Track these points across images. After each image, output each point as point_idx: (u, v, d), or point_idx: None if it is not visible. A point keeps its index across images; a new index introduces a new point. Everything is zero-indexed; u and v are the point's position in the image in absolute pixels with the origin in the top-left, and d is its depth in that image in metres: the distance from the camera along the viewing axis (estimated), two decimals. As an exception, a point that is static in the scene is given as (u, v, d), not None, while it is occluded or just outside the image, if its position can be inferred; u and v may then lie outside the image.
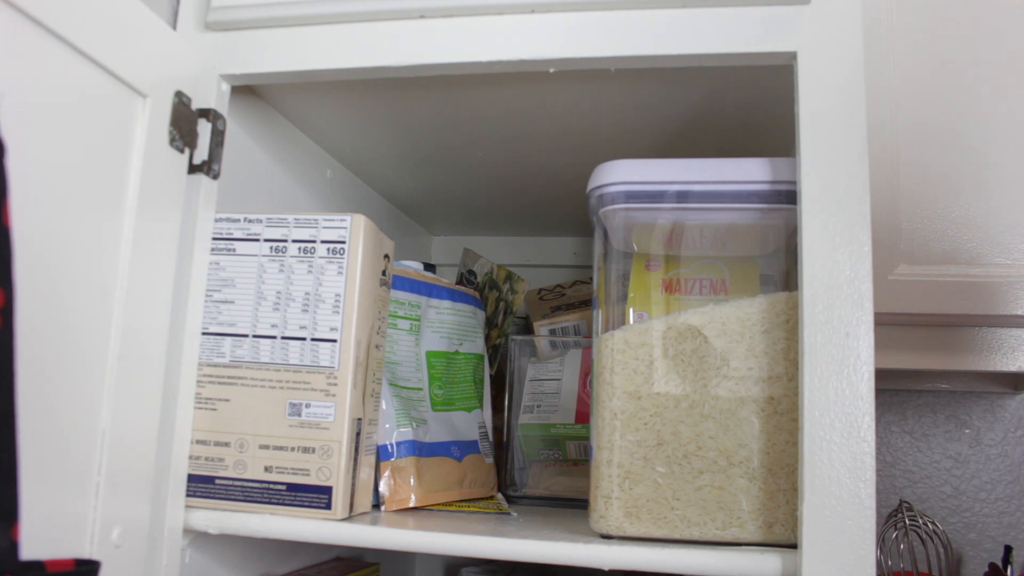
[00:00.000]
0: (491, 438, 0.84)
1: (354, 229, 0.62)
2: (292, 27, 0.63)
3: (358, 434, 0.62)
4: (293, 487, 0.60)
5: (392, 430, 0.70)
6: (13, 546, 0.31)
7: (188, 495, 0.61)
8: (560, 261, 1.22)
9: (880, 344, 0.54)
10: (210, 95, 0.63)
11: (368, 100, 0.75)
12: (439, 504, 0.73)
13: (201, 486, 0.61)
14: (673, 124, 0.75)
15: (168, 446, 0.59)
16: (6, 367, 0.31)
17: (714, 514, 0.56)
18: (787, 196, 0.58)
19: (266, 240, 0.64)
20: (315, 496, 0.60)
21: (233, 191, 0.68)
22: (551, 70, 0.61)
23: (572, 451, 0.85)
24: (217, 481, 0.61)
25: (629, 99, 0.70)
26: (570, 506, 0.81)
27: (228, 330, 0.63)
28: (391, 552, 1.02)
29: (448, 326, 0.81)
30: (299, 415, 0.61)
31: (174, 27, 0.64)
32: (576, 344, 0.92)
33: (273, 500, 0.60)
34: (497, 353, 0.99)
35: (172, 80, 0.58)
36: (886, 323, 0.83)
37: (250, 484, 0.61)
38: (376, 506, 0.68)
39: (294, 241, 0.63)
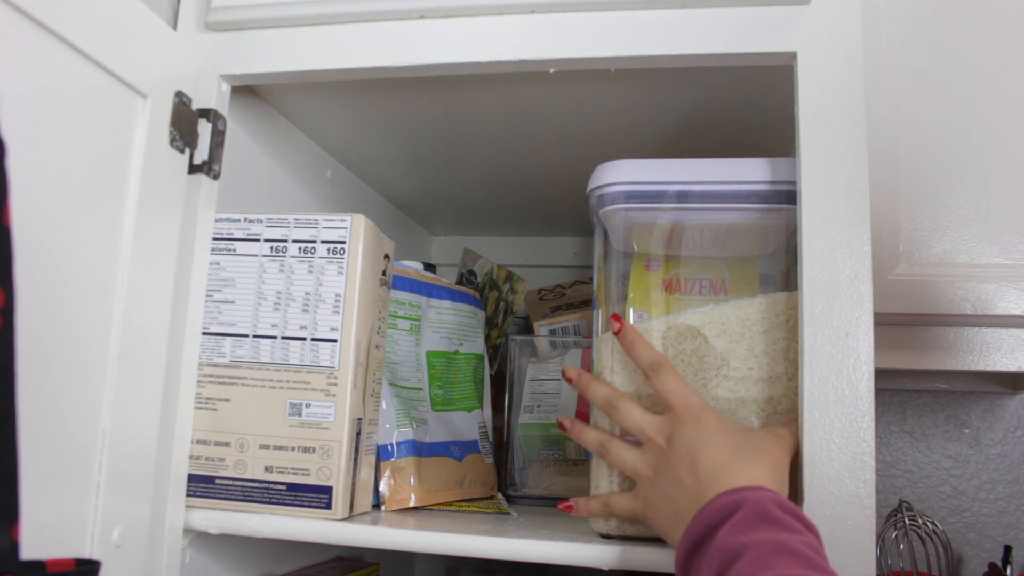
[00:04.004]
0: (491, 438, 0.84)
1: (354, 229, 0.62)
2: (292, 27, 0.63)
3: (358, 434, 0.62)
4: (293, 487, 0.60)
5: (392, 430, 0.70)
6: (14, 546, 0.31)
7: (188, 495, 0.61)
8: (560, 261, 1.22)
9: (880, 344, 0.54)
10: (210, 95, 0.63)
11: (369, 100, 0.75)
12: (439, 504, 0.73)
13: (201, 486, 0.61)
14: (673, 124, 0.75)
15: (168, 446, 0.59)
16: (7, 367, 0.31)
17: (714, 514, 0.56)
18: (787, 196, 0.58)
19: (266, 240, 0.64)
20: (315, 496, 0.60)
21: (233, 191, 0.68)
22: (551, 70, 0.61)
23: (572, 451, 0.85)
24: (217, 481, 0.61)
25: (629, 99, 0.71)
26: (570, 506, 0.81)
27: (228, 330, 0.63)
28: (391, 552, 1.02)
29: (448, 326, 0.81)
30: (299, 415, 0.61)
31: (174, 27, 0.64)
32: (576, 344, 0.92)
33: (273, 500, 0.60)
34: (497, 353, 0.99)
35: (172, 80, 0.58)
36: (886, 323, 0.83)
37: (250, 484, 0.61)
38: (376, 506, 0.68)
39: (294, 241, 0.63)
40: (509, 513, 0.72)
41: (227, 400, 0.62)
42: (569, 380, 0.60)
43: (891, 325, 0.85)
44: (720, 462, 0.49)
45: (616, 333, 0.58)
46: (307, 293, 0.62)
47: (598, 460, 0.60)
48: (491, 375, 0.90)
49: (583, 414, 0.85)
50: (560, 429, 0.62)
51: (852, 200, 0.53)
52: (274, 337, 0.62)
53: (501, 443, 0.90)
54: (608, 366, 0.59)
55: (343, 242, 0.62)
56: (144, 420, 0.56)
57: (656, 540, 0.56)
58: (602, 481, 0.59)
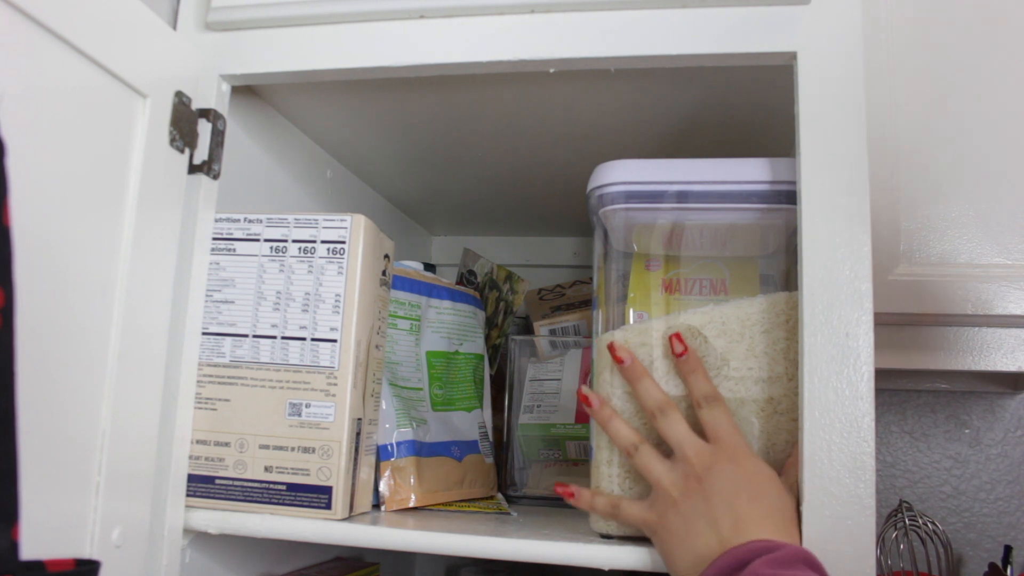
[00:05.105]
0: (491, 438, 0.84)
1: (354, 229, 0.62)
2: (292, 27, 0.63)
3: (358, 434, 0.62)
4: (293, 487, 0.60)
5: (392, 430, 0.70)
6: (13, 546, 0.31)
7: (188, 495, 0.61)
8: (560, 261, 1.22)
9: (880, 344, 0.54)
10: (210, 95, 0.63)
11: (368, 100, 0.75)
12: (439, 504, 0.73)
13: (201, 486, 0.61)
14: (673, 124, 0.75)
15: (168, 446, 0.59)
16: (6, 367, 0.31)
17: (714, 514, 0.56)
18: (787, 196, 0.58)
19: (266, 240, 0.64)
20: (315, 496, 0.60)
21: (233, 191, 0.68)
22: (551, 70, 0.61)
23: (572, 451, 0.85)
24: (217, 481, 0.61)
25: (629, 99, 0.70)
26: (570, 506, 0.81)
27: (228, 330, 0.63)
28: (391, 552, 1.02)
29: (448, 326, 0.81)
30: (299, 415, 0.61)
31: (174, 27, 0.64)
32: (576, 344, 0.92)
33: (273, 500, 0.60)
34: (497, 353, 0.99)
35: (172, 80, 0.58)
36: (886, 323, 0.83)
37: (250, 484, 0.61)
38: (376, 506, 0.68)
39: (294, 241, 0.63)
40: (509, 513, 0.72)
41: (227, 400, 0.62)
42: (620, 362, 0.57)
43: (891, 325, 0.85)
44: (754, 516, 0.49)
45: (679, 356, 0.56)
46: (307, 293, 0.62)
47: (598, 460, 0.60)
48: (491, 375, 0.90)
49: (583, 414, 0.85)
50: (581, 400, 0.59)
51: (852, 200, 0.53)
52: (274, 337, 0.62)
53: (501, 443, 0.90)
54: (608, 366, 0.59)
55: (343, 242, 0.62)
56: (144, 420, 0.56)
57: (656, 540, 0.56)
58: (603, 482, 0.59)
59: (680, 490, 0.52)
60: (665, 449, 0.57)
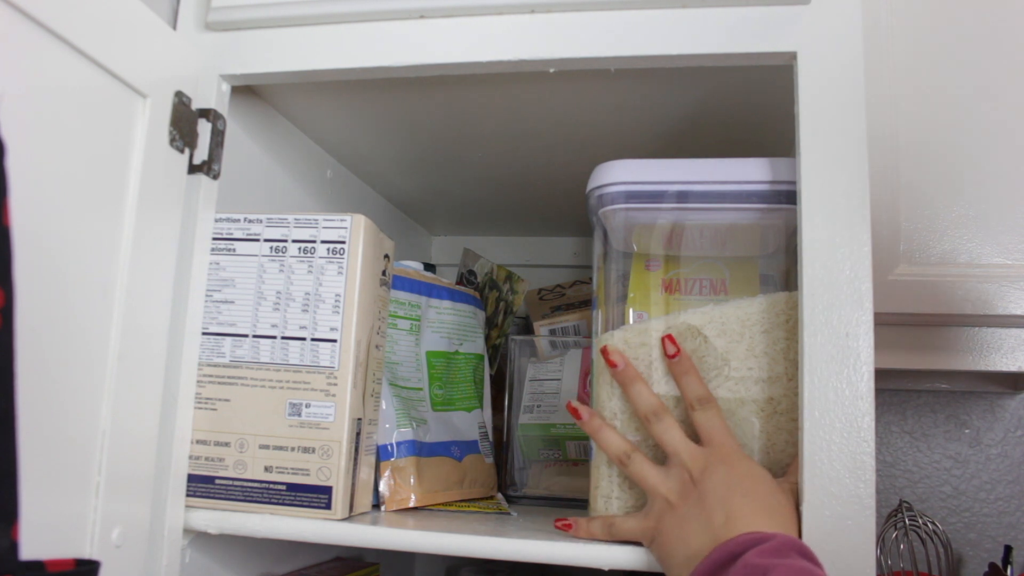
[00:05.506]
0: (491, 438, 0.84)
1: (354, 229, 0.62)
2: (292, 27, 0.63)
3: (358, 434, 0.62)
4: (293, 487, 0.60)
5: (392, 430, 0.70)
6: (13, 546, 0.31)
7: (188, 495, 0.61)
8: (560, 261, 1.22)
9: (880, 344, 0.54)
10: (210, 95, 0.63)
11: (368, 100, 0.75)
12: (439, 504, 0.73)
13: (201, 486, 0.61)
14: (673, 124, 0.75)
15: (168, 446, 0.59)
16: (6, 367, 0.31)
17: (714, 514, 0.56)
18: (787, 196, 0.58)
19: (266, 240, 0.64)
20: (315, 496, 0.60)
21: (233, 191, 0.68)
22: (551, 70, 0.61)
23: (572, 451, 0.85)
24: (217, 481, 0.61)
25: (629, 99, 0.70)
26: (570, 506, 0.81)
27: (228, 330, 0.63)
28: (391, 552, 1.02)
29: (448, 326, 0.81)
30: (299, 415, 0.61)
31: (174, 27, 0.64)
32: (576, 344, 0.92)
33: (273, 500, 0.60)
34: (497, 353, 0.99)
35: (172, 80, 0.58)
36: (886, 323, 0.83)
37: (250, 484, 0.61)
38: (376, 506, 0.68)
39: (294, 241, 0.63)
40: (509, 513, 0.72)
41: (227, 400, 0.62)
42: (613, 365, 0.58)
43: (891, 325, 0.85)
44: (745, 511, 0.50)
45: (671, 357, 0.56)
46: (307, 293, 0.62)
47: (598, 461, 0.60)
48: (491, 375, 0.90)
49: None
50: (570, 413, 0.59)
51: (852, 200, 0.53)
52: (274, 337, 0.62)
53: (501, 443, 0.90)
54: (607, 367, 0.59)
55: (343, 242, 0.62)
56: (144, 420, 0.56)
57: (656, 540, 0.56)
58: (602, 482, 0.59)
59: (677, 494, 0.53)
60: (657, 454, 0.57)
